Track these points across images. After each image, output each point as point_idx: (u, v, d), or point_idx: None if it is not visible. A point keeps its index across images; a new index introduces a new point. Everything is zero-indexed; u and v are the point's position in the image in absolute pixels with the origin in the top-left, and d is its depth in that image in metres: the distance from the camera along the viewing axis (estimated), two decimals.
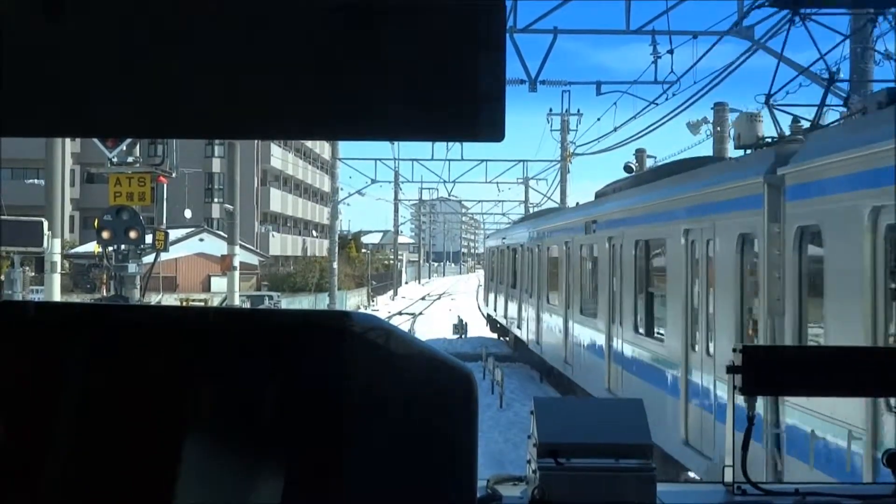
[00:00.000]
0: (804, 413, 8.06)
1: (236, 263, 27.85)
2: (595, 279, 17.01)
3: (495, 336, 34.89)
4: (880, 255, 7.10)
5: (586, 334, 17.74)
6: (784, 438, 8.47)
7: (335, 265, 46.00)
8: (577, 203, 23.69)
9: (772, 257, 8.77)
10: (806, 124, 12.14)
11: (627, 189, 16.42)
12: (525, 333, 26.24)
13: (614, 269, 15.36)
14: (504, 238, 33.13)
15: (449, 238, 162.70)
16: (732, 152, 13.79)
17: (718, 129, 24.30)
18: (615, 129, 31.19)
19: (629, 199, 15.23)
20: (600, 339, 16.32)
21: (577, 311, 18.59)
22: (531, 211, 51.15)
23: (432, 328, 39.40)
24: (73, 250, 42.50)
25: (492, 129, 0.95)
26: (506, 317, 31.10)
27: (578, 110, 42.58)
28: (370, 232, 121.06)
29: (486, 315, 38.98)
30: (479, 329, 38.47)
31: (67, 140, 23.39)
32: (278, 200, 69.33)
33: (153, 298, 27.04)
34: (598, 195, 19.81)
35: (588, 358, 17.52)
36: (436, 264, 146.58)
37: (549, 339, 22.24)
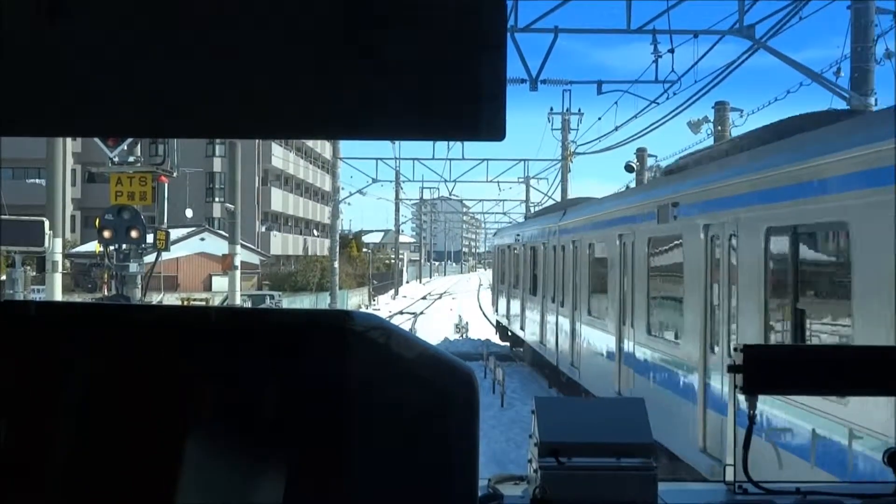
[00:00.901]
0: None
1: (237, 263, 27.86)
2: (680, 286, 11.84)
3: (507, 346, 31.50)
4: None
5: (658, 362, 12.94)
6: None
7: (336, 264, 46.04)
8: (628, 186, 19.62)
9: None
10: None
11: (748, 150, 10.86)
12: (552, 351, 21.51)
13: (716, 273, 10.59)
14: (518, 235, 28.36)
15: (450, 237, 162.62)
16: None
17: (719, 127, 24.32)
18: (616, 129, 31.27)
19: (754, 162, 9.91)
20: (687, 374, 11.43)
21: (643, 330, 13.69)
22: (532, 210, 50.97)
23: (433, 327, 39.39)
24: (74, 250, 42.50)
25: (492, 129, 0.95)
26: (523, 328, 26.69)
27: (579, 109, 42.84)
28: (371, 231, 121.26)
29: (494, 322, 36.14)
30: (480, 328, 38.46)
31: (68, 140, 23.41)
32: (279, 200, 69.33)
33: (154, 298, 27.04)
34: (671, 171, 15.10)
35: (663, 397, 12.17)
36: (437, 263, 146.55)
37: (589, 362, 17.67)
